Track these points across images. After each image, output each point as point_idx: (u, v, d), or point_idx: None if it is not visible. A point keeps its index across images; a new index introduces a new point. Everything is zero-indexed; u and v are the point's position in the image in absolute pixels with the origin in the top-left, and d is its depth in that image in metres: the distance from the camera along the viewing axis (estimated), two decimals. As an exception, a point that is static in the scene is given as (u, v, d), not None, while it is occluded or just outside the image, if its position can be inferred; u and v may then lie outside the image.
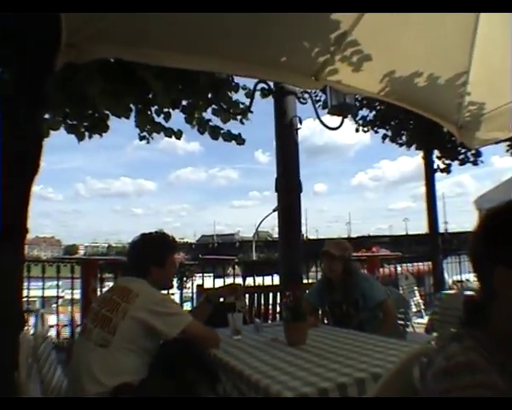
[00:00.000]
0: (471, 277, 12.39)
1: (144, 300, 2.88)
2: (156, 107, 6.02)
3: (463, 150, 11.25)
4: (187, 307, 8.09)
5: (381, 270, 10.79)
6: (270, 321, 5.96)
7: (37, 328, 2.94)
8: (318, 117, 6.62)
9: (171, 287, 3.54)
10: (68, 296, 8.49)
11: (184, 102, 6.12)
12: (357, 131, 11.88)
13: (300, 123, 6.27)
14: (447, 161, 11.72)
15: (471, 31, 4.51)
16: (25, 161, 3.59)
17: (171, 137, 6.33)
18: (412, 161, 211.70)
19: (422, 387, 1.34)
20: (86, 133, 5.78)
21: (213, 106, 6.32)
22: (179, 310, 3.09)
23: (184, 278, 9.25)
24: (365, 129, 11.85)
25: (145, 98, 5.74)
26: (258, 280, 8.58)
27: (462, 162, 11.57)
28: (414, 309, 8.96)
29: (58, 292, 8.36)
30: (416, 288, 9.62)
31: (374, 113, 11.61)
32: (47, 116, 5.16)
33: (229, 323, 3.55)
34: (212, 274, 8.98)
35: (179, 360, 2.94)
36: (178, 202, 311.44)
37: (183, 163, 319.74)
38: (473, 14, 4.35)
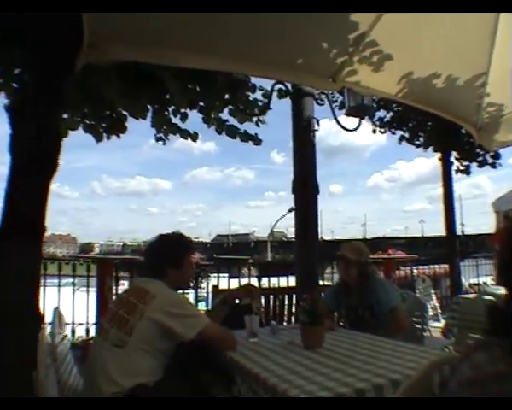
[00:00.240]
0: (488, 280, 12.31)
1: (161, 301, 2.87)
2: (173, 107, 6.01)
3: (482, 152, 11.13)
4: (201, 306, 8.10)
5: (397, 272, 10.74)
6: (285, 323, 5.94)
7: (55, 326, 2.94)
8: (336, 118, 6.60)
9: (189, 287, 3.54)
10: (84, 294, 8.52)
11: (201, 103, 6.12)
12: (374, 132, 11.79)
13: (318, 124, 6.24)
14: (465, 163, 11.61)
15: (491, 31, 4.47)
16: (43, 161, 3.60)
17: (186, 138, 6.31)
18: (429, 162, 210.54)
19: (442, 394, 1.31)
20: (104, 134, 5.79)
21: (230, 106, 6.30)
22: (196, 312, 3.08)
23: (199, 278, 9.27)
24: (382, 130, 11.76)
25: (162, 98, 5.74)
26: (274, 281, 8.57)
27: (481, 164, 11.44)
28: (430, 313, 8.91)
29: (74, 290, 8.38)
30: (432, 291, 9.58)
31: (391, 114, 11.51)
32: (65, 116, 5.18)
33: (245, 325, 3.54)
34: (226, 274, 8.98)
35: (195, 362, 2.94)
36: (194, 201, 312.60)
37: (198, 163, 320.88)
38: (493, 14, 4.31)
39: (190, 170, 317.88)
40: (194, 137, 6.34)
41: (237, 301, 3.76)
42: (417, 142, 11.69)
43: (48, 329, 2.66)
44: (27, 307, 3.44)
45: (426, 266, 12.65)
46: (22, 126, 3.58)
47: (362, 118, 6.55)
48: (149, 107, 5.80)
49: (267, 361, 2.80)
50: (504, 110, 5.46)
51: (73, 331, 7.68)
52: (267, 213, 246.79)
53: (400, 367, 2.52)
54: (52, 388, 2.44)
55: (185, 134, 6.29)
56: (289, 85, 6.30)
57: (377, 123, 11.70)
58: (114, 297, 6.82)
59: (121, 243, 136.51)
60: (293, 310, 6.19)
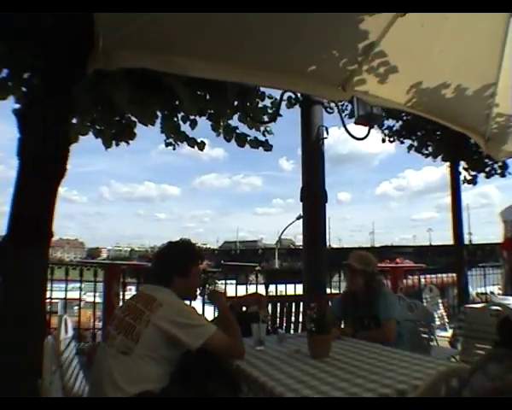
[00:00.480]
0: (495, 289, 12.27)
1: (167, 310, 2.87)
2: (182, 114, 6.03)
3: (490, 162, 11.14)
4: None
5: (404, 281, 10.73)
6: (292, 331, 5.93)
7: (61, 333, 2.94)
8: (345, 127, 6.59)
9: (195, 298, 3.52)
10: (90, 299, 8.54)
11: (211, 111, 6.13)
12: (383, 141, 11.81)
13: (327, 133, 6.24)
14: (473, 173, 11.62)
15: (501, 41, 4.47)
16: (51, 165, 3.63)
17: (193, 147, 6.32)
18: (437, 171, 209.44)
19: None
20: (113, 141, 5.81)
21: (239, 113, 6.31)
22: (202, 321, 3.04)
23: (207, 285, 9.26)
24: (391, 139, 11.78)
25: (172, 104, 5.75)
26: (281, 289, 8.55)
27: (489, 175, 11.45)
28: (437, 322, 8.88)
29: (80, 295, 8.40)
30: (439, 300, 9.54)
31: (400, 123, 11.54)
32: (75, 121, 5.20)
33: (252, 333, 3.53)
34: (234, 281, 8.98)
35: (201, 370, 2.93)
36: (202, 207, 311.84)
37: (207, 169, 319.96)
38: (502, 24, 4.31)
39: (199, 176, 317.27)
40: (202, 146, 6.34)
41: (244, 308, 3.76)
42: (426, 151, 11.70)
43: (51, 337, 2.65)
44: (33, 310, 3.46)
45: (433, 275, 12.65)
46: (30, 131, 3.60)
47: (371, 127, 6.54)
48: (159, 113, 5.82)
49: (274, 370, 2.79)
50: (513, 121, 5.45)
51: (79, 337, 7.68)
52: (275, 221, 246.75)
53: (407, 377, 2.51)
54: (56, 394, 2.44)
55: (192, 142, 6.30)
56: (299, 94, 6.31)
57: (386, 132, 11.73)
58: (121, 303, 6.82)
59: (129, 249, 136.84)
60: (301, 318, 6.18)
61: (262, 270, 18.08)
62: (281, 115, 6.46)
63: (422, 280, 11.79)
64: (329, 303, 4.80)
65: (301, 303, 6.17)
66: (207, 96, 5.79)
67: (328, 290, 7.57)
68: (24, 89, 4.64)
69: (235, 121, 6.37)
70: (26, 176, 3.58)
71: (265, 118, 6.44)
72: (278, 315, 6.06)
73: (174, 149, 6.52)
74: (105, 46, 3.48)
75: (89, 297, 9.60)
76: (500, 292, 11.53)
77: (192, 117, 6.03)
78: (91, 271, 8.35)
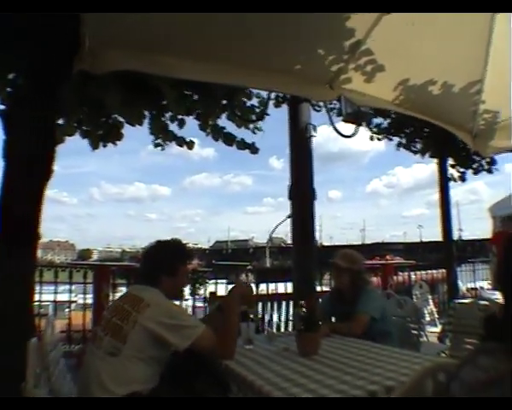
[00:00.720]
0: (485, 284, 12.36)
1: (155, 310, 2.84)
2: (170, 113, 6.02)
3: (478, 159, 11.19)
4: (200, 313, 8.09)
5: (394, 278, 10.76)
6: (283, 329, 5.95)
7: (47, 335, 2.92)
8: (333, 125, 6.58)
9: (183, 298, 3.49)
10: (81, 301, 8.52)
11: (199, 110, 6.12)
12: (371, 139, 11.81)
13: (315, 130, 6.24)
14: (461, 170, 11.66)
15: (486, 39, 4.50)
16: (37, 166, 3.60)
17: (182, 146, 6.33)
18: (427, 168, 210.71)
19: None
20: (100, 142, 5.79)
21: (227, 112, 6.31)
22: (190, 321, 3.02)
23: (197, 285, 9.26)
24: (379, 137, 11.79)
25: (159, 104, 5.74)
26: (272, 287, 8.56)
27: (476, 171, 11.51)
28: (428, 318, 8.94)
29: (71, 297, 8.37)
30: (429, 296, 9.61)
31: (388, 120, 11.53)
32: (61, 121, 5.17)
33: (241, 332, 3.52)
34: (225, 281, 8.98)
35: (190, 370, 2.93)
36: (192, 207, 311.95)
37: (197, 169, 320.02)
38: (487, 22, 4.33)
39: (189, 176, 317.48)
40: (191, 145, 6.35)
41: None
42: (414, 148, 11.71)
43: (35, 338, 2.63)
44: (21, 314, 3.44)
45: (424, 272, 12.68)
46: (16, 132, 3.58)
47: (359, 124, 6.54)
48: (146, 113, 5.80)
49: (262, 369, 2.79)
50: (499, 117, 5.48)
51: (70, 339, 7.64)
52: (266, 220, 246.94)
53: (395, 374, 2.52)
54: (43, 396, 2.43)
55: (181, 141, 6.30)
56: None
57: (374, 129, 11.72)
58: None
59: (120, 250, 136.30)
60: (291, 316, 6.19)
61: (253, 269, 18.10)
62: (268, 115, 6.48)
63: (413, 277, 11.82)
64: (319, 301, 4.80)
65: (291, 301, 6.17)
66: (195, 96, 5.78)
67: (319, 288, 7.59)
68: (9, 89, 4.62)
69: (223, 121, 6.38)
70: (13, 177, 3.56)
71: (253, 117, 6.44)
72: (269, 313, 6.06)
73: (163, 149, 6.52)
74: (91, 46, 3.47)
75: (81, 299, 9.58)
76: (489, 287, 11.62)
77: (180, 117, 6.03)
78: (81, 272, 8.32)
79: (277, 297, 6.73)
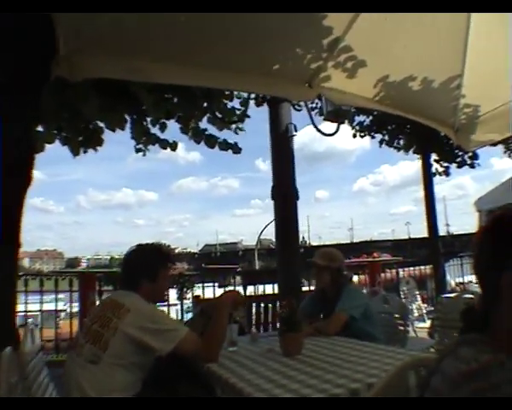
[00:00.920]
0: (473, 278, 12.42)
1: (136, 316, 2.80)
2: (151, 117, 6.00)
3: (461, 153, 11.27)
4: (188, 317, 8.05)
5: (382, 275, 10.81)
6: (271, 330, 5.93)
7: (27, 344, 2.88)
8: (313, 123, 6.59)
9: (165, 301, 3.45)
10: (74, 309, 8.47)
11: (180, 113, 6.09)
12: (354, 136, 11.88)
13: (296, 130, 6.24)
14: (445, 164, 11.74)
15: (463, 34, 4.50)
16: (16, 174, 3.56)
17: (166, 148, 6.31)
18: (412, 164, 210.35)
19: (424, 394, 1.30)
20: (81, 149, 5.74)
21: (208, 115, 6.29)
22: (172, 325, 2.96)
23: (184, 289, 9.23)
24: (362, 134, 11.85)
25: (139, 109, 5.71)
26: (260, 289, 8.56)
27: (460, 165, 11.60)
28: (416, 313, 8.97)
29: (57, 306, 8.31)
30: (417, 292, 9.64)
31: (370, 118, 11.60)
32: (40, 129, 5.13)
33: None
34: (212, 284, 8.95)
35: (173, 375, 2.90)
36: (180, 211, 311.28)
37: (184, 173, 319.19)
38: (464, 17, 4.33)
39: (176, 180, 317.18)
40: (174, 146, 6.33)
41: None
42: (397, 145, 11.77)
43: (14, 346, 2.58)
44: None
45: (411, 268, 12.73)
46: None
47: (341, 122, 6.56)
48: (127, 118, 5.78)
49: (244, 371, 2.77)
50: (480, 111, 5.50)
51: (57, 348, 7.58)
52: (254, 222, 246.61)
53: (378, 371, 2.50)
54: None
55: (164, 144, 6.29)
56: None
57: (357, 127, 11.78)
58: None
59: (109, 257, 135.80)
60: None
61: (240, 271, 18.10)
62: (248, 116, 6.47)
63: (401, 273, 11.88)
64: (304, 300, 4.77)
65: (277, 302, 6.16)
66: (175, 99, 5.76)
67: (306, 288, 7.59)
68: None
69: (204, 123, 6.37)
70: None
71: (235, 118, 6.43)
72: (254, 315, 6.05)
73: (144, 154, 6.49)
74: (67, 52, 3.43)
75: (69, 308, 9.51)
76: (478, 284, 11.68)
77: (161, 120, 6.00)
78: (67, 281, 8.26)
79: (263, 298, 6.71)
